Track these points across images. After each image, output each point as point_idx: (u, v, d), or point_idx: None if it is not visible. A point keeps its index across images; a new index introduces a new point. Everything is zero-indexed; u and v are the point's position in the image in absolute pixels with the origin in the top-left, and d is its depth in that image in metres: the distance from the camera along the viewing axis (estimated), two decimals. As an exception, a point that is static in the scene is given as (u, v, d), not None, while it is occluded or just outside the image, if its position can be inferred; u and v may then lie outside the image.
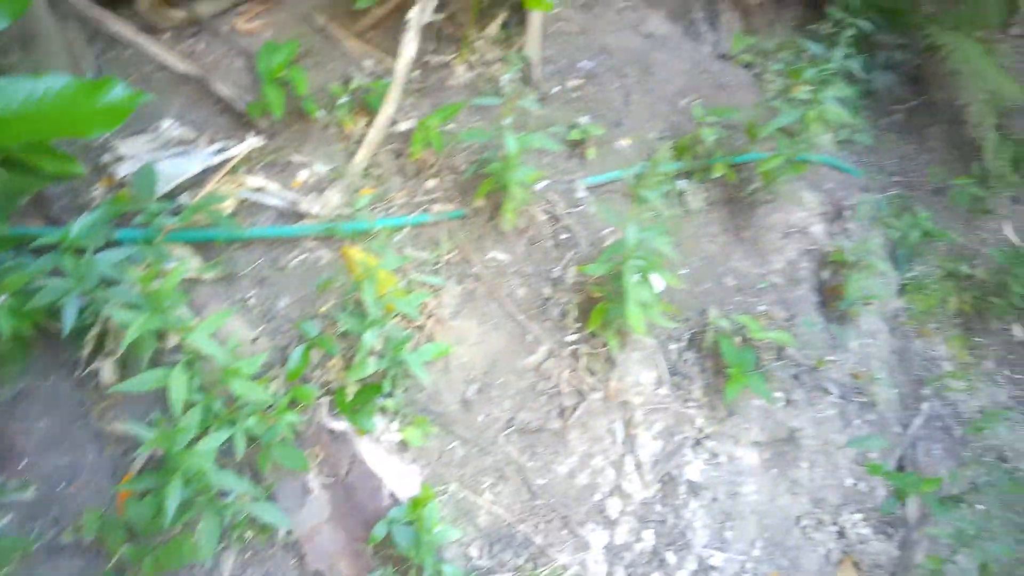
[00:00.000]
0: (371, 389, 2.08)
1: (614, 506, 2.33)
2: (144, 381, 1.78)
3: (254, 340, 2.22)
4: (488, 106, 2.46)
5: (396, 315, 2.24)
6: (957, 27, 4.24)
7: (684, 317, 2.66)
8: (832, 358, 2.85)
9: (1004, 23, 5.07)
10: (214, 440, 1.78)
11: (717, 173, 2.82)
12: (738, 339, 2.61)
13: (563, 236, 2.58)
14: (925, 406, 3.08)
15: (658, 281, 2.40)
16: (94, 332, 1.89)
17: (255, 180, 2.27)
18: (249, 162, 2.31)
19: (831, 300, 2.95)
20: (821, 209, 3.15)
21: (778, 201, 3.00)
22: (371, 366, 2.08)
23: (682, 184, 2.88)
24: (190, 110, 2.33)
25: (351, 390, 2.08)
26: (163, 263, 1.97)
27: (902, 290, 3.49)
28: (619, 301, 2.28)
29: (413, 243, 2.41)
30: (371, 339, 2.02)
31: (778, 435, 2.62)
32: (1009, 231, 4.46)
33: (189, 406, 1.82)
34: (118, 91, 1.54)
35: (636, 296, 2.24)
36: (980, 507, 2.93)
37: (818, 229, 3.10)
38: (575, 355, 2.43)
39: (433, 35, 2.64)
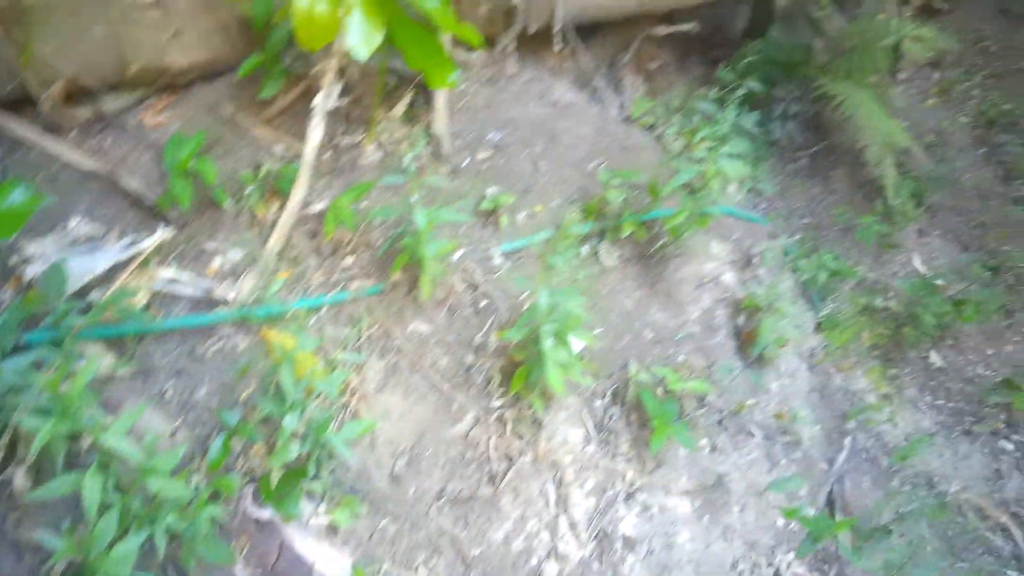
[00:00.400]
0: (295, 474, 2.17)
1: (551, 570, 2.45)
2: (57, 487, 1.83)
3: (172, 434, 2.29)
4: (400, 183, 2.66)
5: (318, 395, 2.36)
6: (849, 76, 4.78)
7: (606, 373, 2.87)
8: (753, 401, 3.11)
9: (892, 69, 5.73)
10: (133, 541, 1.83)
11: (626, 232, 3.09)
12: (659, 390, 2.83)
13: (482, 303, 2.77)
14: (847, 440, 3.35)
15: (576, 342, 2.61)
16: (4, 440, 1.94)
17: (167, 272, 2.39)
18: (161, 254, 2.43)
19: (748, 345, 3.23)
20: (731, 258, 3.47)
21: (688, 254, 3.30)
22: (294, 450, 2.18)
23: (595, 244, 3.15)
24: (99, 206, 2.45)
25: (275, 476, 2.17)
26: (73, 363, 2.05)
27: (818, 328, 3.82)
28: (539, 364, 2.47)
29: (333, 321, 2.55)
30: (292, 423, 2.13)
31: (707, 482, 2.82)
32: (918, 262, 4.93)
33: (105, 508, 1.87)
34: (17, 195, 1.65)
35: (554, 358, 2.44)
36: (910, 536, 3.17)
37: (729, 278, 3.41)
38: (501, 420, 2.59)
39: (342, 118, 2.85)
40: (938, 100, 5.84)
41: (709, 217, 3.10)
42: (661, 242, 3.20)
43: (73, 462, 2.02)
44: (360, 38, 2.20)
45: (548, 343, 2.34)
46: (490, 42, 3.33)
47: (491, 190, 3.02)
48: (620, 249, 3.18)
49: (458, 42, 3.02)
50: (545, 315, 2.36)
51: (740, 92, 3.41)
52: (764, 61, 4.57)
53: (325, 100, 2.49)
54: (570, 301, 2.47)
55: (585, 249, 3.12)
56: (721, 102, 3.50)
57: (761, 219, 3.85)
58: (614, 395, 2.83)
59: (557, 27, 3.38)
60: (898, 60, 5.63)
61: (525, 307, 2.76)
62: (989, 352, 4.22)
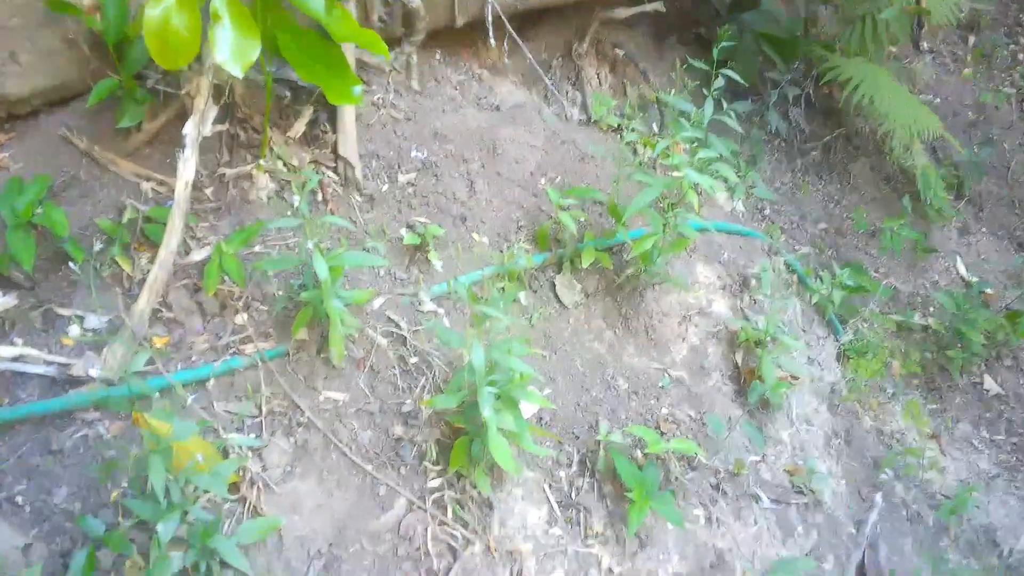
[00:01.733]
0: (177, 592, 2.14)
1: None
2: None
3: (26, 548, 2.25)
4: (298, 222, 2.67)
5: (205, 491, 2.33)
6: (861, 50, 4.85)
7: (571, 436, 2.87)
8: (757, 457, 3.12)
9: (914, 38, 5.84)
10: None
11: (587, 261, 3.14)
12: (638, 454, 2.84)
13: (412, 360, 2.78)
14: (878, 496, 3.34)
15: (527, 406, 2.62)
16: None
17: (10, 348, 2.37)
18: (2, 327, 2.41)
19: (748, 387, 3.26)
20: (721, 283, 3.52)
21: (666, 283, 3.34)
22: (175, 562, 2.15)
23: (551, 278, 3.19)
24: (-81, 273, 2.45)
25: (152, 597, 2.13)
26: None
27: (839, 358, 3.84)
28: (481, 435, 2.47)
29: (224, 396, 2.54)
30: (168, 530, 2.10)
31: (704, 561, 2.81)
32: (961, 268, 4.99)
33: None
34: None
35: (499, 427, 2.45)
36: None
37: (721, 307, 3.45)
38: (441, 504, 2.58)
39: (226, 144, 2.87)
40: (975, 70, 5.96)
41: (687, 238, 3.16)
42: (631, 270, 3.25)
43: None
44: (231, 52, 2.22)
45: (487, 411, 2.33)
46: (410, 40, 3.36)
47: (417, 221, 3.04)
48: (581, 282, 3.23)
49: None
50: (482, 376, 2.35)
51: (724, 79, 3.46)
52: (756, 38, 4.65)
53: (198, 125, 2.50)
54: (515, 353, 2.48)
55: (537, 286, 3.15)
56: (702, 93, 3.55)
57: (756, 233, 3.92)
58: (582, 463, 2.84)
59: (488, 16, 3.42)
60: (920, 27, 5.77)
61: (466, 361, 2.77)
62: (1055, 372, 4.25)
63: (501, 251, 3.13)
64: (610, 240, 3.25)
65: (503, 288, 2.70)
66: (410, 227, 3.04)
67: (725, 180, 3.77)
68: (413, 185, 3.15)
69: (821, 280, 3.88)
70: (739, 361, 3.35)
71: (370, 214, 3.02)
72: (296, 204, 2.47)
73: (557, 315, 3.12)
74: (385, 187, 3.11)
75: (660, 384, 3.14)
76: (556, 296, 3.16)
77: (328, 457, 2.55)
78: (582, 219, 3.26)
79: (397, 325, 2.81)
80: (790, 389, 3.35)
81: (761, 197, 4.31)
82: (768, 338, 3.27)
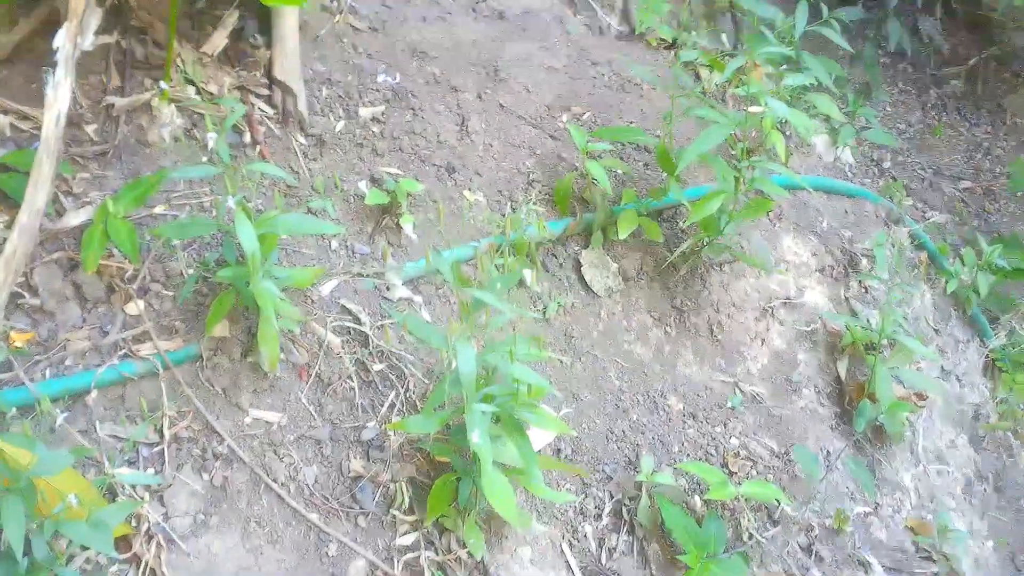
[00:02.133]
0: None
1: None
2: None
3: None
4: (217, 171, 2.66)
5: (83, 547, 2.33)
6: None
7: (601, 476, 2.86)
8: (866, 509, 3.09)
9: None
10: None
11: (626, 230, 3.12)
12: (695, 501, 2.83)
13: (376, 368, 2.77)
14: (1041, 565, 3.31)
15: (539, 433, 2.61)
16: None
17: None
18: None
19: (855, 409, 3.24)
20: (818, 263, 3.51)
21: (740, 262, 3.33)
22: (38, 644, 2.14)
23: (575, 255, 3.18)
24: None
25: None
26: None
27: (987, 371, 3.79)
28: (472, 473, 2.46)
29: (112, 414, 2.55)
30: (27, 598, 2.09)
31: (790, 651, 2.80)
32: None
33: None
34: None
35: (498, 462, 2.44)
36: None
37: (818, 296, 3.46)
38: (415, 569, 2.57)
39: (117, 62, 2.86)
40: None
41: (769, 199, 3.14)
42: (689, 244, 3.23)
43: None
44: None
45: (479, 437, 2.30)
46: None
47: (385, 172, 3.03)
48: (618, 261, 3.22)
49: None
50: (473, 388, 2.33)
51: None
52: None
53: (75, 36, 2.48)
54: (520, 360, 2.45)
55: (555, 265, 3.15)
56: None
57: (869, 193, 3.89)
58: (616, 513, 2.83)
59: None
60: None
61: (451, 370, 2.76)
62: None
63: (503, 215, 3.11)
64: (659, 201, 3.22)
65: (505, 267, 2.68)
66: (375, 181, 3.03)
67: (826, 118, 3.73)
68: (380, 122, 3.14)
69: (962, 261, 3.84)
70: (842, 373, 3.33)
71: (318, 162, 3.01)
72: (213, 147, 2.45)
73: (583, 306, 3.11)
74: (340, 125, 3.10)
75: (729, 404, 3.12)
76: (582, 280, 3.15)
77: (257, 502, 2.55)
78: (619, 171, 3.23)
79: (356, 318, 2.80)
80: (915, 413, 3.32)
81: (877, 143, 4.27)
82: (884, 341, 3.24)
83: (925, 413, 3.41)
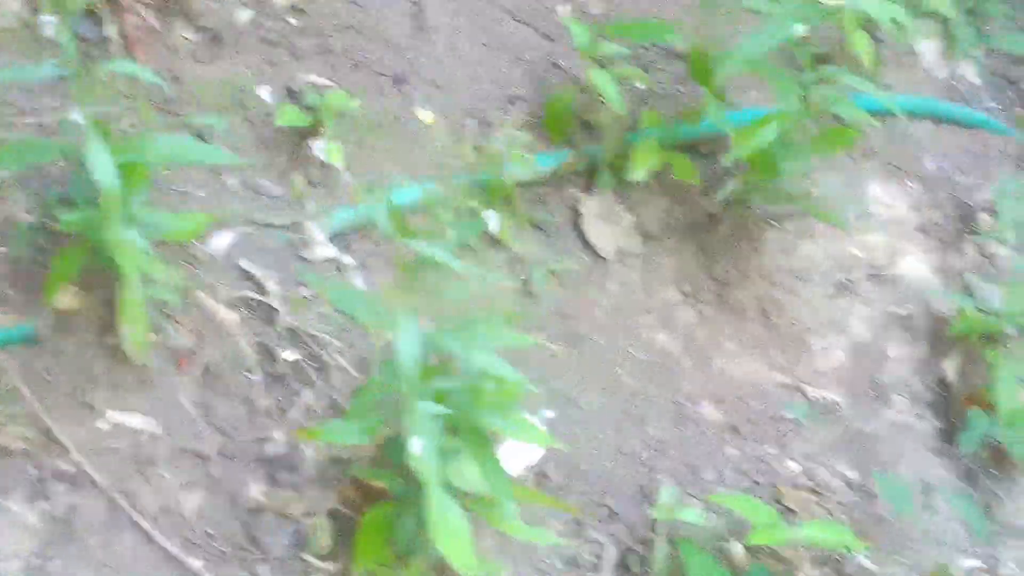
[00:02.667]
0: None
1: None
2: None
3: None
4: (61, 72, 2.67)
5: None
6: None
7: (606, 509, 2.88)
8: (977, 562, 3.08)
9: None
10: None
11: (643, 168, 3.11)
12: (735, 549, 2.84)
13: (285, 356, 2.78)
14: None
15: (516, 449, 2.64)
16: None
17: None
18: None
19: (964, 423, 3.24)
20: (919, 220, 3.53)
21: (807, 216, 3.34)
22: None
23: (573, 200, 3.20)
24: None
25: None
26: None
27: None
28: (415, 505, 2.44)
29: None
30: None
31: None
32: None
33: None
34: None
35: (450, 483, 2.44)
36: None
37: (918, 266, 3.48)
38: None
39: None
40: None
41: (850, 129, 3.15)
42: (733, 189, 3.23)
43: None
44: None
45: (419, 449, 2.30)
46: None
47: (306, 82, 3.05)
48: (633, 211, 3.24)
49: None
50: (415, 380, 2.33)
51: None
52: None
53: None
54: (488, 344, 2.47)
55: (545, 215, 3.17)
56: None
57: (996, 123, 3.90)
58: (623, 564, 2.83)
59: None
60: None
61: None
62: None
63: (473, 145, 3.12)
64: (693, 128, 3.22)
65: (472, 214, 2.67)
66: (292, 94, 3.03)
67: (938, 16, 3.70)
68: (300, 12, 3.15)
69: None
70: (950, 374, 3.33)
71: (212, 66, 3.02)
72: (58, 38, 2.45)
73: (584, 274, 3.12)
74: (245, 15, 3.11)
75: (787, 414, 3.13)
76: (582, 237, 3.16)
77: (117, 539, 2.55)
78: (639, 84, 3.23)
79: (259, 286, 2.81)
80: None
81: (1012, 52, 4.25)
82: (1011, 330, 3.25)
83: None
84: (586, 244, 3.16)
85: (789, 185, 3.20)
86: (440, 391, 2.43)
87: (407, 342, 2.34)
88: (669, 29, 3.24)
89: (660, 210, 3.25)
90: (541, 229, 3.14)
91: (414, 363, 2.34)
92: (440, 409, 2.38)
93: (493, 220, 2.64)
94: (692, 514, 2.82)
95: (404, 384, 2.34)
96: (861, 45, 3.07)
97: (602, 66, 3.11)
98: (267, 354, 2.77)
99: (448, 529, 2.41)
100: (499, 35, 3.30)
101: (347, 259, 2.92)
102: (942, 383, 3.35)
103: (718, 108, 3.12)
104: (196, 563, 2.56)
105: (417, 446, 2.31)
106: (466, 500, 2.48)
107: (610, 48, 3.14)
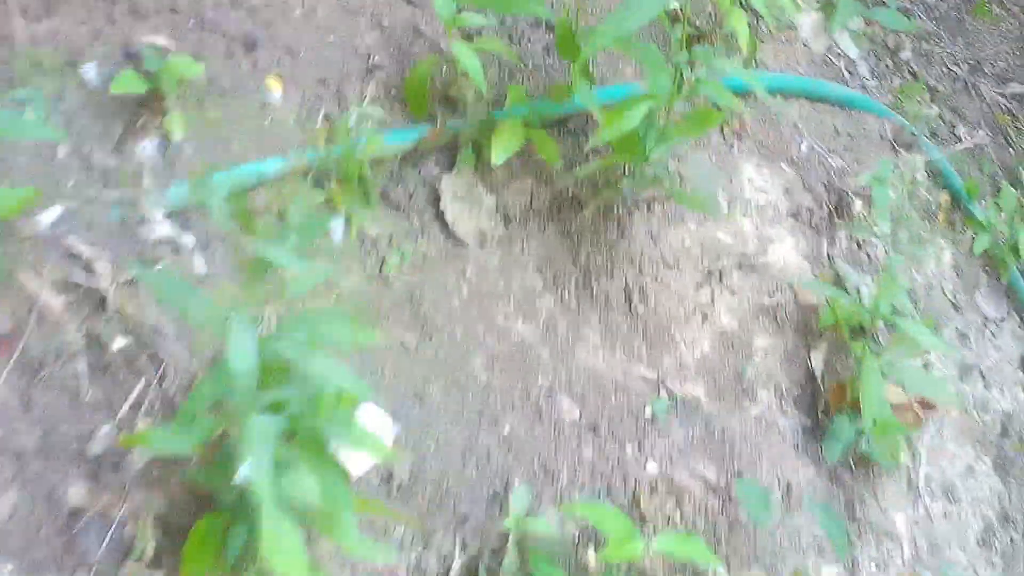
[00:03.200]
0: None
1: None
2: None
3: None
4: None
5: None
6: None
7: (454, 516, 2.83)
8: (836, 569, 3.13)
9: None
10: None
11: (508, 147, 3.06)
12: (587, 556, 2.81)
13: (117, 345, 2.68)
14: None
15: (356, 459, 2.57)
16: None
17: None
18: None
19: (830, 429, 3.26)
20: (790, 205, 3.53)
21: (676, 202, 3.32)
22: None
23: (431, 179, 3.14)
24: None
25: None
26: None
27: (1024, 366, 3.83)
28: (246, 513, 2.38)
29: None
30: None
31: None
32: None
33: None
34: None
35: (283, 494, 2.35)
36: None
37: (788, 253, 3.48)
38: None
39: None
40: None
41: (721, 110, 3.13)
42: (597, 168, 3.20)
43: None
44: None
45: (251, 462, 2.21)
46: None
47: (145, 44, 2.94)
48: (496, 191, 3.20)
49: None
50: (249, 388, 2.24)
51: None
52: None
53: None
54: (329, 342, 2.39)
55: (401, 196, 3.10)
56: None
57: (873, 103, 3.92)
58: (471, 570, 2.79)
59: None
60: None
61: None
62: None
63: (325, 118, 3.04)
64: (560, 105, 3.20)
65: (326, 200, 2.60)
66: (130, 58, 2.91)
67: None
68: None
69: (998, 206, 3.86)
70: (817, 367, 3.34)
71: (42, 25, 2.90)
72: None
73: (442, 259, 3.07)
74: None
75: (648, 411, 3.10)
76: (441, 218, 3.11)
77: None
78: (504, 57, 3.19)
79: (88, 268, 2.69)
80: (916, 429, 3.32)
81: (891, 28, 4.24)
82: (879, 323, 3.27)
83: (932, 428, 3.42)
84: (445, 226, 3.14)
85: (658, 169, 3.17)
86: (277, 401, 2.36)
87: (240, 351, 2.26)
88: (538, 1, 3.16)
89: (523, 192, 3.23)
90: (399, 209, 3.08)
91: (247, 374, 2.26)
92: (276, 421, 2.32)
93: (338, 231, 2.57)
94: (543, 524, 2.79)
95: (237, 396, 2.27)
96: (737, 23, 3.05)
97: (464, 37, 3.09)
98: (95, 343, 2.67)
99: (280, 547, 2.34)
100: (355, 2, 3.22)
101: (186, 238, 2.84)
102: (809, 377, 3.37)
103: (585, 86, 3.11)
104: (8, 567, 2.46)
105: (246, 472, 2.23)
106: (303, 513, 2.41)
107: (474, 18, 3.11)
